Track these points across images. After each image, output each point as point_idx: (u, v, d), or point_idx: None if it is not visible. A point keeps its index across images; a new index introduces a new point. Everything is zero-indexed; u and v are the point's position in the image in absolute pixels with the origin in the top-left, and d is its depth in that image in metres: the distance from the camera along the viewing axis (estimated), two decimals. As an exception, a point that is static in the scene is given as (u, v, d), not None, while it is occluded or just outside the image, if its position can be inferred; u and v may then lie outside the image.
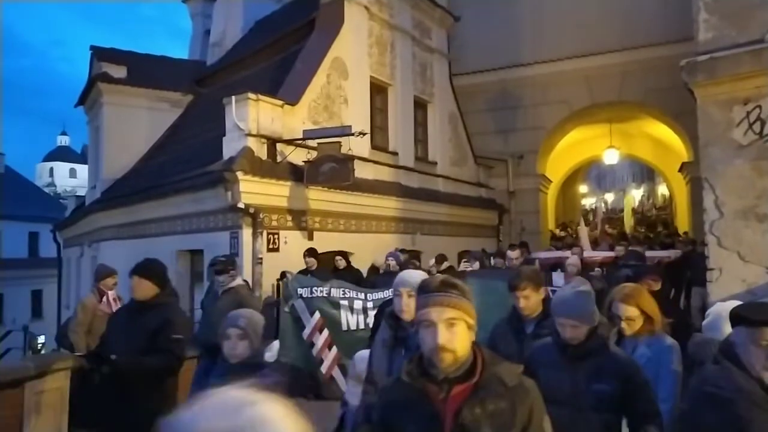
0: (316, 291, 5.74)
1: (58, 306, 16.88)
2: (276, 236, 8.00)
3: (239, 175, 7.29)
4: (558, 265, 7.73)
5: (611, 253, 9.40)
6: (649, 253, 9.46)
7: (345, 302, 5.64)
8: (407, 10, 11.45)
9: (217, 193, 7.80)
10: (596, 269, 8.48)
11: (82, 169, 57.90)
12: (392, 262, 7.59)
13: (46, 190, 49.38)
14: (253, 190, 7.56)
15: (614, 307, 2.85)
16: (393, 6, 11.01)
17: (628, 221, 22.77)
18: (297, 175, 8.06)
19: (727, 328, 2.33)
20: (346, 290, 5.81)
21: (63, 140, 75.62)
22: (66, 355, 6.79)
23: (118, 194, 11.47)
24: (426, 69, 12.15)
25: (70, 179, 69.67)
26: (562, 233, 14.81)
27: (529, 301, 3.02)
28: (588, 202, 32.40)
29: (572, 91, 13.27)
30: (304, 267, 7.55)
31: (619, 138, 15.92)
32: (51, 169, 71.07)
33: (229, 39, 14.53)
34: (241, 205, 7.45)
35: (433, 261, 8.24)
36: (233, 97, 7.84)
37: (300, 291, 5.71)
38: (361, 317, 5.63)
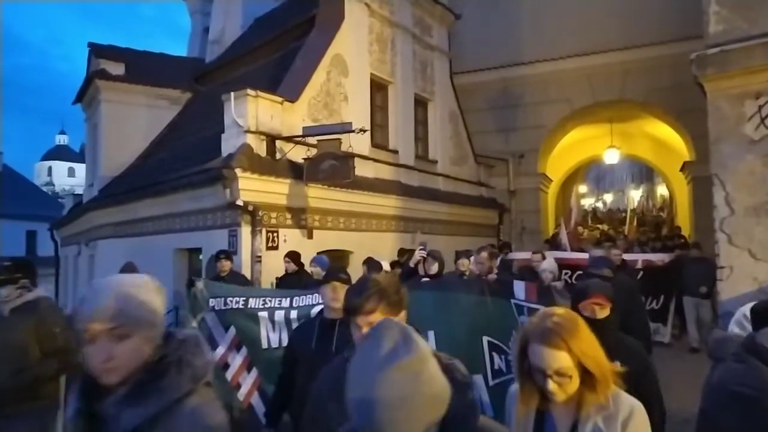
0: (232, 302, 4.79)
1: (55, 305, 16.75)
2: (275, 234, 7.91)
3: (238, 172, 7.19)
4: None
5: (585, 255, 8.53)
6: (630, 256, 8.69)
7: (264, 314, 4.63)
8: (408, 7, 11.36)
9: (215, 191, 7.70)
10: (563, 276, 7.43)
11: (81, 168, 57.79)
12: (316, 269, 6.52)
13: (45, 189, 49.28)
14: (252, 188, 7.46)
15: (531, 353, 1.65)
16: (393, 3, 10.92)
17: (632, 222, 22.65)
18: (296, 172, 7.97)
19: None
20: (267, 298, 4.79)
21: (62, 139, 75.54)
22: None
23: (116, 192, 11.37)
24: (426, 67, 12.06)
25: (68, 178, 69.57)
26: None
27: None
28: (587, 202, 32.37)
29: (573, 89, 13.20)
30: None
31: (620, 137, 15.86)
32: (49, 168, 70.99)
33: (228, 36, 14.44)
34: (239, 203, 7.35)
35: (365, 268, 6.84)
36: (232, 94, 7.74)
37: (212, 302, 4.78)
38: (284, 332, 4.54)
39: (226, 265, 6.80)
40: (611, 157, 16.05)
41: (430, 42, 12.20)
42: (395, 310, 1.88)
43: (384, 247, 9.45)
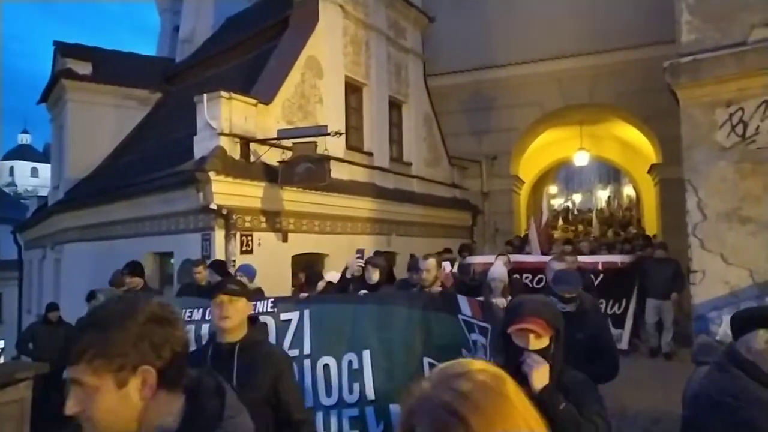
0: None
1: (18, 310, 16.28)
2: (250, 238, 7.81)
3: (212, 175, 7.07)
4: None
5: (544, 258, 7.82)
6: (590, 258, 8.07)
7: (191, 326, 3.85)
8: (382, 9, 11.35)
9: (188, 194, 7.56)
10: (524, 280, 6.96)
11: (45, 169, 56.10)
12: (243, 279, 5.63)
13: (6, 189, 47.78)
14: (225, 191, 7.35)
15: None
16: (368, 5, 10.90)
17: (599, 222, 23.04)
18: (271, 175, 7.88)
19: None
20: (194, 311, 3.96)
21: (24, 138, 73.34)
22: (28, 363, 6.50)
23: (83, 194, 11.08)
24: (401, 69, 12.08)
25: (31, 179, 67.62)
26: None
27: None
28: (556, 203, 32.91)
29: (545, 93, 13.37)
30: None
31: (589, 140, 16.15)
32: (11, 168, 68.90)
33: (199, 36, 14.21)
34: (213, 206, 7.23)
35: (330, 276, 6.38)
36: (205, 95, 7.61)
37: None
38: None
39: (134, 281, 5.84)
40: (581, 159, 16.33)
41: (405, 44, 12.22)
42: (125, 362, 1.09)
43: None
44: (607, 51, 12.44)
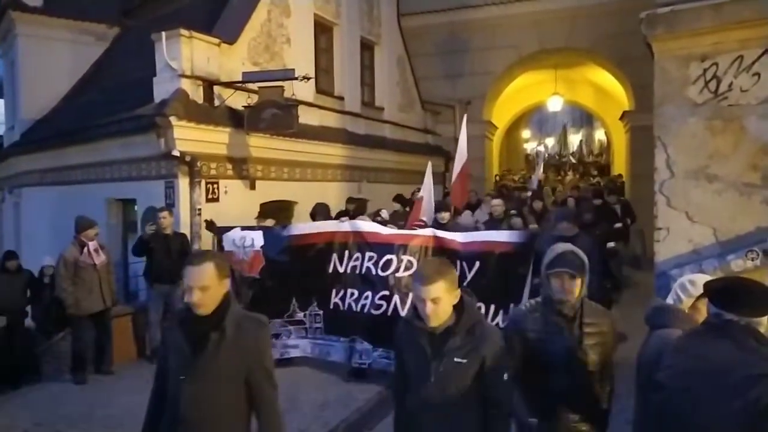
0: None
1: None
2: (215, 185, 7.60)
3: (173, 120, 6.78)
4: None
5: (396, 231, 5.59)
6: (447, 236, 5.27)
7: None
8: (353, -58, 10.73)
9: (149, 139, 7.24)
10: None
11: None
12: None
13: (-39, 127, 45.56)
14: (188, 137, 7.07)
15: None
16: (338, -63, 10.28)
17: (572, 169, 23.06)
18: (236, 120, 7.60)
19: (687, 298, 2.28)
20: None
21: (-23, 72, 69.45)
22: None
23: (40, 137, 10.59)
24: (373, 8, 11.56)
25: (-13, 115, 64.56)
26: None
27: None
28: (529, 147, 32.87)
29: (521, 36, 13.05)
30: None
31: (563, 84, 15.99)
32: (-35, 104, 65.56)
33: (159, -34, 13.31)
34: (176, 153, 6.97)
35: None
36: (164, 34, 7.16)
37: None
38: None
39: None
40: (555, 104, 16.21)
41: (377, -20, 11.66)
42: None
43: (329, 197, 9.28)
44: (583, -7, 12.10)
